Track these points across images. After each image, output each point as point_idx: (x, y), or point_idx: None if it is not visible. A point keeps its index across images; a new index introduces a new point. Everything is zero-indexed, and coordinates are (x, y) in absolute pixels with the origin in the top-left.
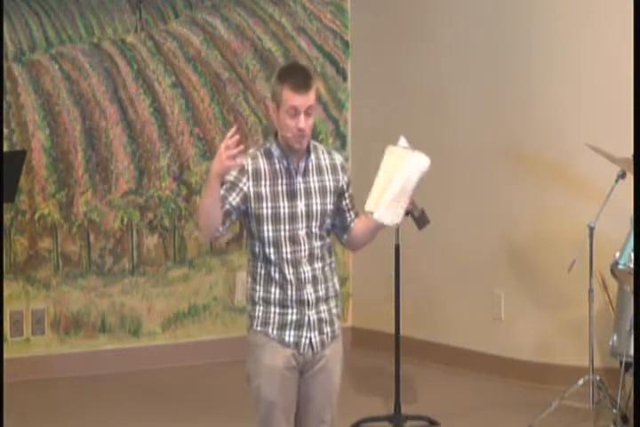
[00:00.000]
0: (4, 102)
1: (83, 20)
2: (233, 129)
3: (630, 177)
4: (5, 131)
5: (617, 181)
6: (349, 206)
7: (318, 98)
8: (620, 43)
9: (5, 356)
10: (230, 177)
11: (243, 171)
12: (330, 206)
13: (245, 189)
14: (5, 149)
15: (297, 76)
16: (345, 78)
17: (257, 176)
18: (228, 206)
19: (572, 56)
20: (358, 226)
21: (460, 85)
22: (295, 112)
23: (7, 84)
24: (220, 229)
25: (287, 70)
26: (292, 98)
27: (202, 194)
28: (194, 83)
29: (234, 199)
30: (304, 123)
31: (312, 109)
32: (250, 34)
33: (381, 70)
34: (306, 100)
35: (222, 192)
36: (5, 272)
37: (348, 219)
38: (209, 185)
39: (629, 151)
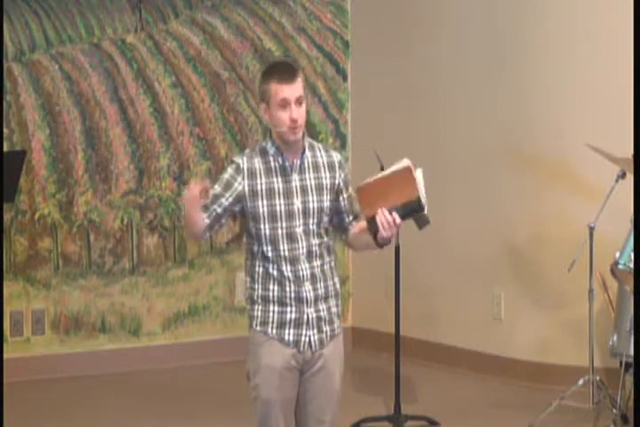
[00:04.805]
0: (4, 102)
1: (83, 20)
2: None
3: (630, 177)
4: (5, 131)
5: (617, 181)
6: (347, 207)
7: (318, 98)
8: (620, 42)
9: (5, 356)
10: (226, 175)
11: (238, 169)
12: (327, 204)
13: (240, 187)
14: (5, 149)
15: (280, 70)
16: (345, 78)
17: (252, 175)
18: (219, 210)
19: (571, 56)
20: (357, 235)
21: (460, 85)
22: (286, 103)
23: (7, 84)
24: (207, 235)
25: (269, 68)
26: (280, 90)
27: (184, 213)
28: (194, 83)
29: (227, 200)
30: (296, 113)
31: (302, 99)
32: (250, 34)
33: (381, 70)
34: (294, 89)
35: (218, 190)
36: (5, 272)
37: (346, 220)
38: (188, 213)
39: (629, 151)
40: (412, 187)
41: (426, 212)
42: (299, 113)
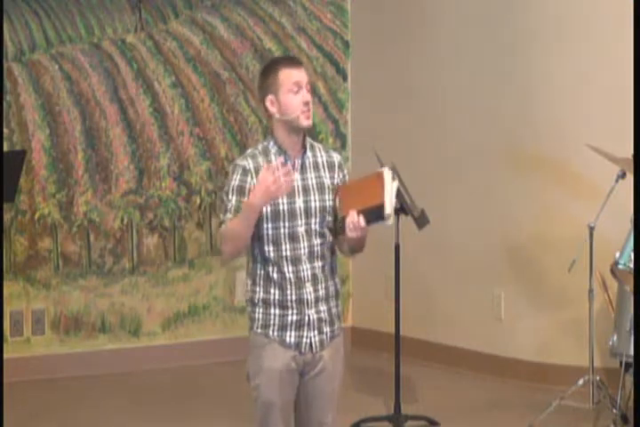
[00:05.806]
0: (4, 102)
1: (83, 20)
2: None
3: (630, 177)
4: (5, 131)
5: (617, 181)
6: None
7: (318, 98)
8: (620, 42)
9: (5, 356)
10: (236, 182)
11: (245, 171)
12: (329, 203)
13: (251, 186)
14: (5, 149)
15: (286, 58)
16: (345, 78)
17: (258, 173)
18: None
19: (571, 56)
20: (342, 241)
21: (460, 85)
22: (298, 87)
23: (7, 84)
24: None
25: (273, 60)
26: (290, 74)
27: (234, 224)
28: (194, 83)
29: None
30: (308, 96)
31: (309, 86)
32: (250, 34)
33: (381, 70)
34: (303, 74)
35: (234, 200)
36: (5, 272)
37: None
38: (247, 217)
39: (629, 151)
40: (380, 193)
41: (389, 222)
42: (309, 98)
